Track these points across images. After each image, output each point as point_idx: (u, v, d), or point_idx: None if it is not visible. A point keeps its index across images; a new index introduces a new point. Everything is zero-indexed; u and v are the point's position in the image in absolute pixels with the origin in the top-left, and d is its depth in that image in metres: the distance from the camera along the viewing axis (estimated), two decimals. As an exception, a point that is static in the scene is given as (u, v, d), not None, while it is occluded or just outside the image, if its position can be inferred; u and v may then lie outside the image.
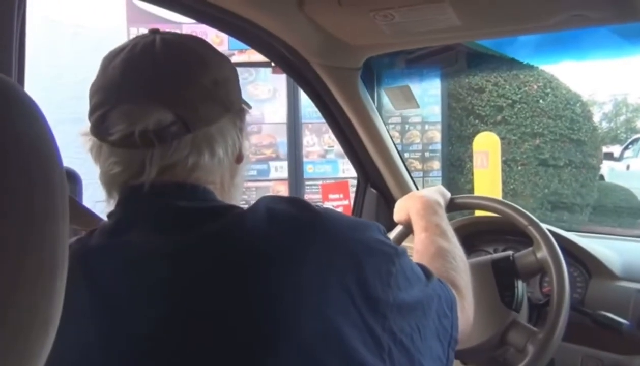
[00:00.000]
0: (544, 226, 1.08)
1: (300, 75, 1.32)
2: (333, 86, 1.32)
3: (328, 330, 0.52)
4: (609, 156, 7.84)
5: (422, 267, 0.69)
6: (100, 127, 0.61)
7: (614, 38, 1.09)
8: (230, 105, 0.66)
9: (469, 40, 1.23)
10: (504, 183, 5.03)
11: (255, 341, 0.51)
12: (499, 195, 4.32)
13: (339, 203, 2.84)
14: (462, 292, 0.78)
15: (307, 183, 5.12)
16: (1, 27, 0.63)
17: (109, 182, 0.63)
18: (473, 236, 1.33)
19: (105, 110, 0.61)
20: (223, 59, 0.68)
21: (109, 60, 0.63)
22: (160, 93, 0.61)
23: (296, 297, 0.53)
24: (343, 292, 0.54)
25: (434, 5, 0.96)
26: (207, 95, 0.63)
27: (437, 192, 1.10)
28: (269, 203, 0.59)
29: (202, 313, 0.53)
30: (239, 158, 0.69)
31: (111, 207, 0.64)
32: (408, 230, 1.10)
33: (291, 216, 0.58)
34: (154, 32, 0.65)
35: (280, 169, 5.21)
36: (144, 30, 0.68)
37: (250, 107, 0.73)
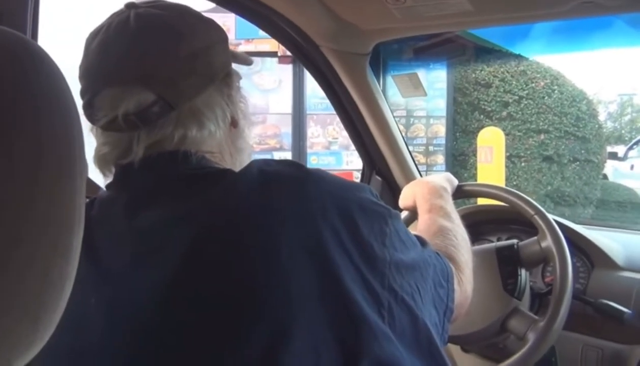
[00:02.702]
0: (550, 216, 1.08)
1: (309, 59, 1.31)
2: (341, 71, 1.31)
3: (330, 285, 0.52)
4: (614, 156, 7.80)
5: (417, 236, 0.68)
6: (88, 112, 0.62)
7: (623, 27, 1.08)
8: (213, 75, 0.65)
9: (480, 26, 1.22)
10: (507, 179, 5.02)
11: (252, 302, 0.51)
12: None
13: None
14: (460, 267, 0.78)
15: (310, 174, 5.12)
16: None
17: (99, 161, 0.64)
18: (477, 224, 1.33)
19: (90, 96, 0.62)
20: (205, 24, 0.67)
21: (89, 43, 0.63)
22: (138, 74, 0.60)
23: (293, 256, 0.52)
24: (340, 250, 0.54)
25: (445, -12, 0.95)
26: (187, 69, 0.62)
27: (444, 179, 1.09)
28: (262, 166, 0.59)
29: (202, 276, 0.53)
30: (233, 124, 0.69)
31: (109, 179, 0.65)
32: (414, 215, 1.10)
33: (283, 176, 0.58)
34: (129, 7, 0.64)
35: (283, 159, 5.19)
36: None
37: (250, 63, 0.72)
